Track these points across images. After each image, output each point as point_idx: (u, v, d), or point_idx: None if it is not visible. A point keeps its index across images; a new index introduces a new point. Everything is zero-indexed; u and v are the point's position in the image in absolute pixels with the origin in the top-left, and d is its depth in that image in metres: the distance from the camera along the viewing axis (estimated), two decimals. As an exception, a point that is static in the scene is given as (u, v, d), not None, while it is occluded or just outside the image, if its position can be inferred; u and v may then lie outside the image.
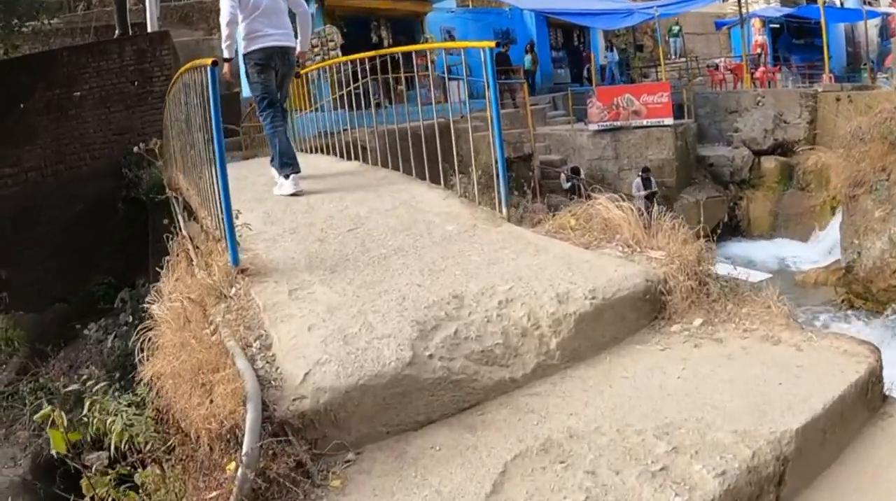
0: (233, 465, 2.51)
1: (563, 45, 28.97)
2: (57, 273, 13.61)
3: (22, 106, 13.77)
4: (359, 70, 7.75)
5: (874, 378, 3.14)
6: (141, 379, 3.57)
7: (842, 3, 28.35)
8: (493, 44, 5.18)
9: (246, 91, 12.66)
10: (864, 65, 25.53)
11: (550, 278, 3.77)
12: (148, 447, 3.13)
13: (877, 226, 13.83)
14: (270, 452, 2.54)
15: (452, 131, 5.80)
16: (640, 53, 30.75)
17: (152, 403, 3.40)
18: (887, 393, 3.24)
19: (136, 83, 14.75)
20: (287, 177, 6.29)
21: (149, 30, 16.87)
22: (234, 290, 3.91)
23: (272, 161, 6.57)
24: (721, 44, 32.76)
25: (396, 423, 2.96)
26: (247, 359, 2.99)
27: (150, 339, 3.68)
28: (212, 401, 2.76)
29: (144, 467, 3.54)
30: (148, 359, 3.56)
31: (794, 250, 18.54)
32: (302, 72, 7.69)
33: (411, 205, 5.56)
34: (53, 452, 3.87)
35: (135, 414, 3.69)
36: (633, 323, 3.69)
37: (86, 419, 3.79)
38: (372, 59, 7.27)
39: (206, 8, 21.64)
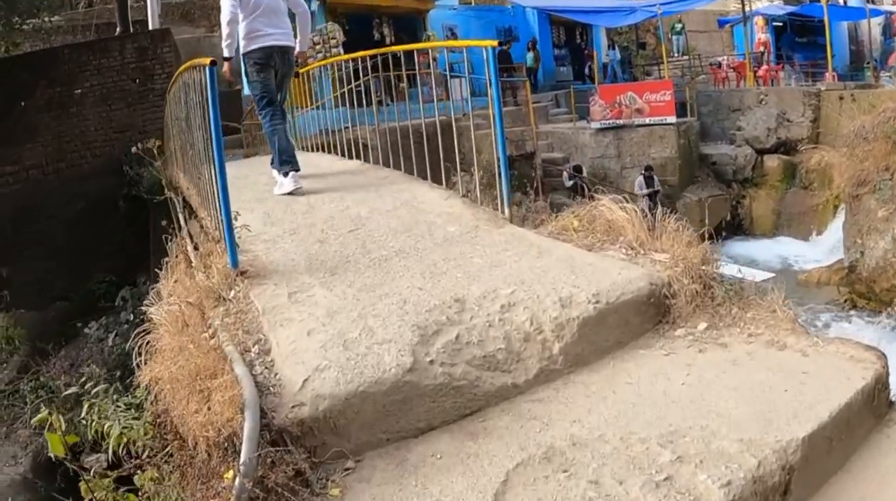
0: (231, 474, 2.47)
1: (566, 43, 28.91)
2: (58, 271, 13.56)
3: (23, 104, 13.72)
4: (360, 68, 7.72)
5: (881, 384, 3.10)
6: (139, 384, 3.53)
7: (845, 2, 28.25)
8: (495, 43, 5.14)
9: (247, 89, 12.61)
10: (868, 63, 25.44)
11: (553, 281, 3.72)
12: (145, 454, 3.08)
13: (880, 226, 13.77)
14: (269, 460, 2.50)
15: (454, 129, 5.76)
16: (642, 51, 30.69)
17: (150, 407, 3.36)
18: (894, 399, 3.20)
19: (137, 81, 14.70)
20: (286, 174, 6.28)
21: (150, 27, 16.85)
22: (233, 293, 3.87)
23: (272, 162, 6.54)
24: (724, 42, 32.71)
25: (397, 430, 2.92)
26: (245, 365, 2.95)
27: (148, 343, 3.63)
28: (209, 408, 2.72)
29: (143, 470, 3.51)
30: (146, 363, 3.52)
31: (797, 249, 18.49)
32: (301, 71, 7.65)
33: (413, 205, 5.52)
34: (52, 455, 3.85)
35: (133, 418, 3.66)
36: (636, 327, 3.64)
37: (84, 421, 3.75)
38: (373, 56, 7.24)
39: (208, 5, 21.58)
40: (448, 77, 11.09)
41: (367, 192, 5.98)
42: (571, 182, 17.96)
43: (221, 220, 4.19)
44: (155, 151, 5.23)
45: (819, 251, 17.63)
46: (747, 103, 20.95)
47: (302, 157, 7.95)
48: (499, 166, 5.07)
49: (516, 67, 22.82)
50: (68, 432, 4.03)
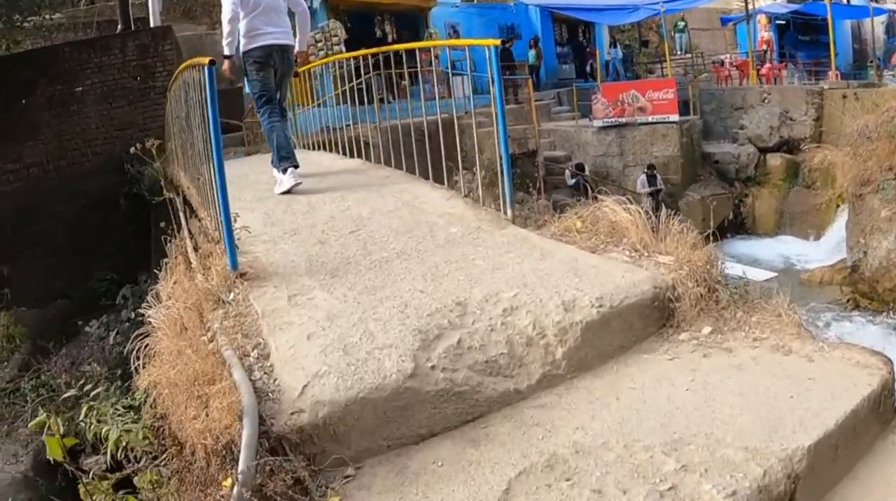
0: (229, 482, 2.44)
1: (569, 41, 28.83)
2: (59, 269, 13.52)
3: (24, 102, 13.67)
4: (362, 65, 7.69)
5: (887, 390, 3.05)
6: (138, 387, 3.49)
7: (848, 0, 28.14)
8: (497, 41, 5.10)
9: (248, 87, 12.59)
10: (871, 62, 25.37)
11: (556, 284, 3.68)
12: (142, 462, 3.05)
13: (883, 226, 13.72)
14: (267, 468, 2.47)
15: (456, 127, 5.72)
16: (645, 49, 30.64)
17: (149, 411, 3.33)
18: (900, 405, 3.16)
19: (138, 78, 14.64)
20: (284, 171, 6.27)
21: (151, 25, 16.79)
22: (232, 295, 3.83)
23: (272, 161, 6.52)
24: (727, 40, 32.60)
25: (397, 437, 2.88)
26: (244, 370, 2.91)
27: (146, 346, 3.60)
28: (207, 415, 2.68)
29: (143, 473, 3.48)
30: (145, 366, 3.48)
31: (800, 248, 18.44)
32: (301, 69, 7.64)
33: (414, 205, 5.48)
34: (50, 459, 3.82)
35: (133, 421, 3.63)
36: (640, 331, 3.60)
37: (83, 424, 3.73)
38: (375, 54, 7.21)
39: (210, 2, 21.51)
40: (450, 75, 11.07)
41: (368, 192, 5.94)
42: (574, 180, 17.92)
43: (221, 222, 4.15)
44: (154, 151, 5.18)
45: (822, 250, 17.58)
46: (750, 102, 20.90)
47: (303, 156, 7.93)
48: (501, 166, 5.03)
49: (518, 65, 22.74)
50: (69, 432, 4.02)
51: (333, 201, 5.72)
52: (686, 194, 19.07)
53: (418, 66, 7.21)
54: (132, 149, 5.48)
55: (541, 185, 15.68)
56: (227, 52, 6.38)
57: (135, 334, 3.88)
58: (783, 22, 28.76)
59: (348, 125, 8.15)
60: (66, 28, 19.24)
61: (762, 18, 27.39)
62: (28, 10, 15.87)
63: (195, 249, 5.12)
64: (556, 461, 2.67)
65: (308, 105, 9.87)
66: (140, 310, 4.23)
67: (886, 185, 13.84)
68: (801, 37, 28.43)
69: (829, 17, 22.92)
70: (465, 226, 4.85)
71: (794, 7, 27.27)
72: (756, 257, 17.37)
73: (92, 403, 3.75)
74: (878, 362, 3.18)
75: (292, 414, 2.74)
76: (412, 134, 6.18)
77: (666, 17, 25.85)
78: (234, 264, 4.05)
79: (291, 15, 6.82)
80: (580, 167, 18.35)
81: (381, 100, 8.62)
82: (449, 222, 4.96)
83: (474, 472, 2.67)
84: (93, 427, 3.67)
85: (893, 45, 27.22)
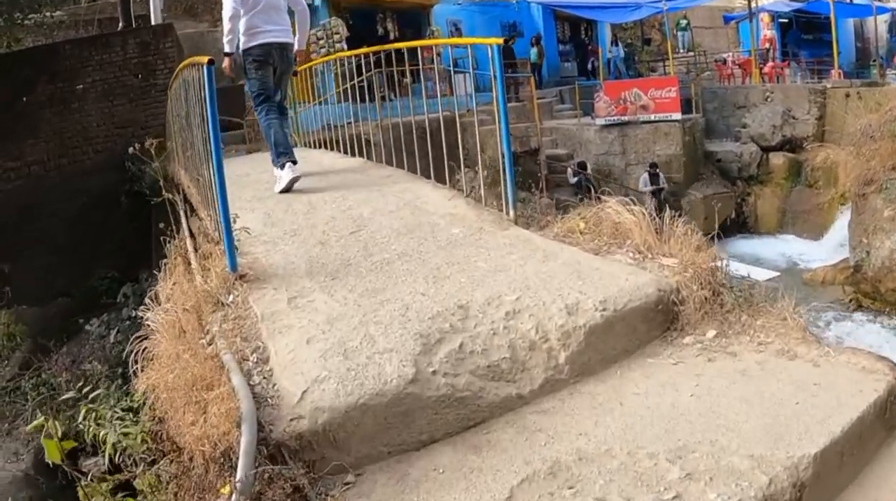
0: (227, 489, 2.40)
1: (571, 39, 28.78)
2: (59, 267, 13.49)
3: (24, 99, 13.62)
4: (363, 63, 7.66)
5: (893, 396, 3.01)
6: (136, 390, 3.46)
7: (851, -1, 28.12)
8: (500, 40, 5.06)
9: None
10: (874, 61, 25.32)
11: (559, 287, 3.64)
12: (140, 468, 3.01)
13: (886, 226, 13.66)
14: (266, 476, 2.43)
15: (458, 125, 5.67)
16: (647, 47, 30.56)
17: (147, 415, 3.29)
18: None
19: (139, 76, 14.58)
20: (282, 166, 6.26)
21: (152, 22, 16.72)
22: (231, 297, 3.79)
23: (272, 159, 6.50)
24: (729, 38, 32.54)
25: (398, 443, 2.84)
26: (242, 375, 2.87)
27: (145, 349, 3.56)
28: (206, 421, 2.64)
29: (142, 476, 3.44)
30: (143, 369, 3.44)
31: (802, 247, 18.38)
32: (301, 68, 7.63)
33: (416, 205, 5.43)
34: (49, 462, 3.79)
35: (132, 422, 3.59)
36: (644, 334, 3.56)
37: (82, 426, 3.70)
38: (377, 52, 7.20)
39: (211, 0, 21.48)
40: (452, 72, 11.04)
41: (369, 192, 5.90)
42: (576, 179, 17.90)
43: (220, 223, 4.11)
44: (153, 151, 5.14)
45: (824, 250, 17.53)
46: (753, 100, 20.84)
47: (304, 154, 7.91)
48: (503, 166, 4.98)
49: (519, 63, 22.69)
50: (69, 432, 3.99)
51: (334, 201, 5.68)
52: (688, 193, 19.04)
53: (420, 63, 7.19)
54: (130, 150, 5.44)
55: (543, 184, 15.69)
56: (227, 49, 6.40)
57: (134, 336, 3.85)
58: (786, 20, 28.72)
59: (349, 123, 8.12)
60: (67, 25, 19.17)
61: (765, 17, 27.34)
62: (29, 7, 15.83)
63: (195, 249, 5.08)
64: (559, 468, 2.63)
65: (309, 103, 9.83)
66: (141, 309, 4.19)
67: (890, 185, 13.79)
68: (803, 35, 28.40)
69: (832, 15, 22.90)
70: (467, 226, 4.81)
71: (796, 5, 27.20)
72: (758, 256, 17.32)
73: (91, 405, 3.71)
74: (884, 367, 3.15)
75: (291, 420, 2.70)
76: (414, 132, 6.15)
77: (668, 15, 25.85)
78: (234, 266, 4.01)
79: (291, 13, 6.81)
80: (582, 165, 18.32)
81: (383, 98, 8.59)
82: (451, 223, 4.92)
83: (476, 479, 2.63)
84: (91, 429, 3.63)
85: (896, 43, 27.19)
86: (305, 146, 9.30)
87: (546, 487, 2.54)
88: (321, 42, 17.38)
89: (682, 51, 29.22)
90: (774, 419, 2.81)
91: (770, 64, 24.41)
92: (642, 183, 17.75)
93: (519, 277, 3.81)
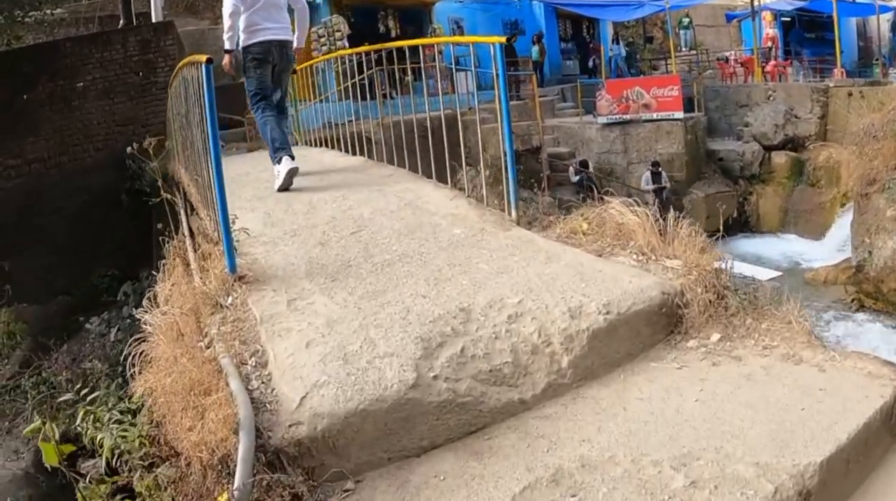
0: (224, 497, 2.36)
1: (573, 37, 28.74)
2: (60, 265, 13.46)
3: (25, 97, 13.60)
4: (365, 61, 7.63)
5: (899, 402, 2.98)
6: (134, 393, 3.42)
7: (853, -2, 28.05)
8: (503, 39, 5.01)
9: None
10: (876, 60, 25.26)
11: (562, 290, 3.60)
12: (137, 475, 2.97)
13: (889, 226, 13.61)
14: (264, 484, 2.39)
15: (460, 123, 5.63)
16: (649, 45, 30.50)
17: (144, 419, 3.24)
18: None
19: (140, 74, 14.57)
20: (280, 161, 6.25)
21: (153, 20, 16.70)
22: (230, 299, 3.74)
23: (270, 156, 6.49)
24: (731, 36, 32.49)
25: (398, 449, 2.80)
26: (241, 380, 2.82)
27: (142, 352, 3.52)
28: (203, 427, 2.60)
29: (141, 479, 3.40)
30: (141, 372, 3.40)
31: (804, 247, 18.34)
32: (298, 67, 7.62)
33: (417, 205, 5.38)
34: (47, 466, 3.76)
35: (130, 424, 3.55)
36: (647, 338, 3.52)
37: (79, 428, 3.66)
38: (378, 50, 7.17)
39: (213, -3, 21.45)
40: (453, 70, 11.00)
41: (370, 192, 5.85)
42: (577, 177, 17.86)
43: (219, 223, 4.06)
44: (151, 151, 5.09)
45: (826, 249, 17.49)
46: (755, 99, 20.80)
47: (304, 153, 7.88)
48: (506, 166, 4.93)
49: (521, 61, 22.63)
50: (69, 431, 3.95)
51: (335, 201, 5.63)
52: (690, 192, 19.00)
53: (422, 61, 7.17)
54: (129, 149, 5.40)
55: (545, 183, 15.64)
56: (227, 46, 6.41)
57: (133, 338, 3.81)
58: (788, 19, 28.63)
59: (350, 121, 8.09)
60: (67, 23, 19.14)
61: (767, 15, 27.23)
62: (29, 5, 15.81)
63: (195, 249, 5.03)
64: (562, 475, 2.59)
65: (310, 101, 9.80)
66: (139, 311, 4.15)
67: (892, 185, 13.74)
68: (806, 34, 28.31)
69: (834, 14, 22.83)
70: (469, 227, 4.76)
71: (799, 4, 27.09)
72: (760, 255, 17.27)
73: (88, 407, 3.67)
74: (890, 372, 3.11)
75: (290, 426, 2.66)
76: (415, 130, 6.11)
77: (671, 13, 25.77)
78: (233, 267, 3.97)
79: (291, 11, 6.81)
80: (584, 164, 18.29)
81: (384, 96, 8.57)
82: (452, 223, 4.87)
83: (477, 487, 2.59)
84: (89, 432, 3.59)
85: (899, 42, 27.13)
86: (306, 144, 9.27)
87: (548, 495, 2.50)
88: (322, 40, 17.34)
89: (684, 49, 29.17)
90: (780, 425, 2.77)
91: (772, 62, 24.36)
92: (644, 181, 17.70)
93: (521, 279, 3.77)
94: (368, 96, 8.19)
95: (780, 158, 19.90)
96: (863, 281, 14.34)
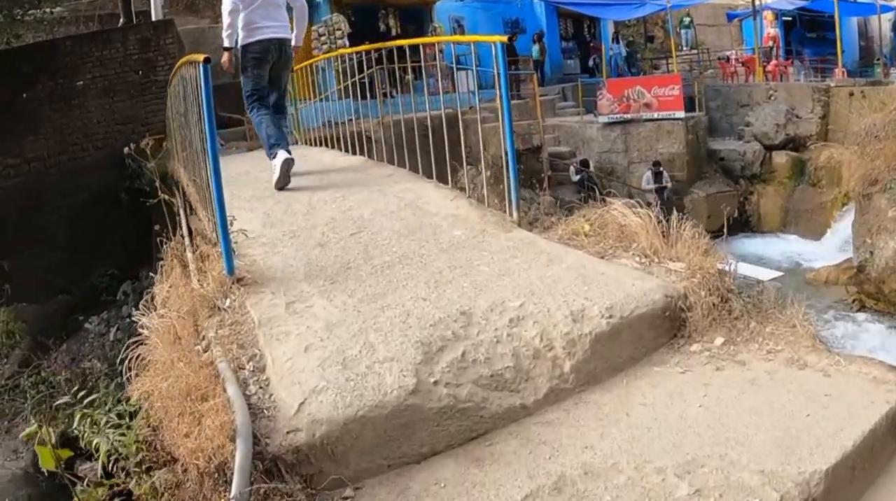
0: (221, 505, 2.32)
1: (574, 36, 28.69)
2: (60, 264, 13.43)
3: (24, 96, 13.56)
4: (365, 59, 7.60)
5: (905, 408, 2.94)
6: (130, 396, 3.37)
7: (855, -3, 27.99)
8: (504, 38, 4.96)
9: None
10: (878, 59, 25.20)
11: (564, 293, 3.56)
12: (134, 480, 2.93)
13: (890, 226, 13.57)
14: (262, 492, 2.35)
15: (461, 122, 5.59)
16: (650, 44, 30.47)
17: (141, 423, 3.20)
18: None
19: (139, 72, 14.52)
20: (275, 156, 6.24)
21: (153, 18, 16.65)
22: (228, 302, 3.70)
23: (267, 153, 6.48)
24: (732, 36, 32.45)
25: (398, 456, 2.76)
26: (238, 386, 2.78)
27: (138, 356, 3.47)
28: (200, 433, 2.56)
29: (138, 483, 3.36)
30: (137, 376, 3.36)
31: (805, 247, 18.28)
32: (296, 67, 7.60)
33: (417, 206, 5.34)
34: (43, 470, 3.72)
35: (127, 427, 3.52)
36: (650, 341, 3.48)
37: (76, 432, 3.62)
38: (378, 49, 7.14)
39: (212, -5, 21.40)
40: (454, 69, 10.96)
41: (370, 192, 5.81)
42: (578, 177, 17.83)
43: (217, 224, 4.02)
44: (148, 151, 5.05)
45: (827, 249, 17.44)
46: (756, 98, 20.75)
47: (304, 152, 7.85)
48: (507, 166, 4.89)
49: (521, 60, 22.58)
50: (67, 431, 3.91)
51: (334, 201, 5.59)
52: (691, 191, 18.95)
53: (422, 60, 7.13)
54: (126, 150, 5.36)
55: (546, 184, 15.60)
56: (226, 43, 6.42)
57: (130, 340, 3.76)
58: (789, 18, 28.57)
59: (351, 120, 8.05)
60: (67, 22, 19.10)
61: (768, 15, 27.17)
62: (29, 3, 15.78)
63: (194, 250, 4.99)
64: (564, 483, 2.55)
65: (310, 100, 9.77)
66: (137, 313, 4.11)
67: (894, 185, 13.70)
68: (807, 33, 28.25)
69: (835, 13, 22.78)
70: (470, 228, 4.71)
71: (800, 3, 27.04)
72: (761, 255, 17.21)
73: (85, 410, 3.63)
74: (895, 378, 3.07)
75: (288, 432, 2.62)
76: (416, 129, 6.07)
77: (672, 12, 25.73)
78: (231, 269, 3.92)
79: (290, 9, 6.81)
80: (585, 163, 18.25)
81: (385, 95, 8.54)
82: (453, 224, 4.82)
83: (478, 494, 2.55)
84: (86, 435, 3.55)
85: (901, 42, 27.07)
86: (305, 144, 9.23)
87: (551, 503, 2.47)
88: (323, 38, 17.31)
89: (685, 48, 29.14)
90: (785, 432, 2.73)
91: (773, 62, 24.29)
92: (645, 181, 17.66)
93: (523, 282, 3.73)
94: (369, 95, 8.16)
95: (781, 158, 19.84)
96: (864, 281, 14.31)
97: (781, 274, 14.52)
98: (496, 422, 2.95)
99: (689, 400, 3.02)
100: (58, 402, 4.26)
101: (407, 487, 2.64)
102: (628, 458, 2.65)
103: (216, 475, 2.47)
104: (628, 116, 19.10)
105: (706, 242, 4.06)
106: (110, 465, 3.29)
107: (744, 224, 19.59)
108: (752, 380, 3.13)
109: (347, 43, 16.23)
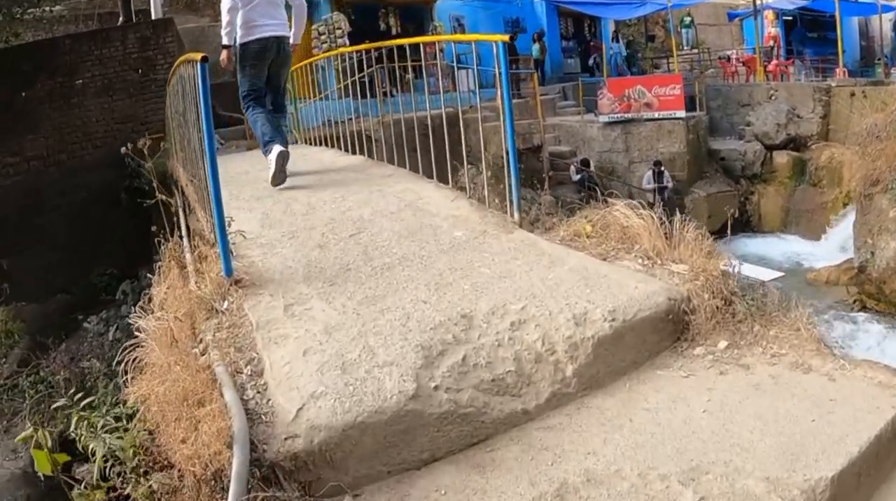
0: (218, 513, 2.28)
1: (574, 35, 28.66)
2: (59, 263, 13.38)
3: (24, 94, 13.52)
4: (365, 58, 7.57)
5: (911, 413, 2.90)
6: (126, 400, 3.33)
7: (856, -3, 27.94)
8: (506, 37, 4.92)
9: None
10: (878, 59, 25.18)
11: (566, 295, 3.51)
12: (130, 486, 2.89)
13: (891, 226, 13.55)
14: (259, 499, 2.30)
15: (461, 122, 5.55)
16: (651, 44, 30.44)
17: (137, 427, 3.16)
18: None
19: (139, 71, 14.47)
20: (270, 150, 6.21)
21: (153, 17, 16.60)
22: (226, 304, 3.65)
23: (262, 149, 6.49)
24: (733, 35, 32.43)
25: (398, 462, 2.72)
26: (236, 391, 2.74)
27: (135, 359, 3.43)
28: (196, 439, 2.52)
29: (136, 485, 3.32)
30: (134, 379, 3.31)
31: (806, 247, 18.26)
32: (299, 65, 7.58)
33: (418, 206, 5.29)
34: (40, 474, 3.68)
35: (124, 430, 3.48)
36: (653, 345, 3.44)
37: (73, 435, 3.58)
38: (379, 48, 7.11)
39: (212, -7, 21.34)
40: (455, 68, 10.92)
41: (370, 192, 5.75)
42: (579, 176, 17.80)
43: (215, 226, 3.97)
44: (146, 151, 5.00)
45: (828, 249, 17.41)
46: (757, 98, 20.72)
47: (303, 152, 7.81)
48: (508, 166, 4.84)
49: (522, 59, 22.53)
50: (66, 431, 3.87)
51: (334, 201, 5.54)
52: (692, 191, 18.93)
53: (423, 59, 7.10)
54: (123, 150, 5.31)
55: (547, 183, 15.58)
56: (225, 41, 6.41)
57: (129, 340, 3.72)
58: (790, 18, 28.53)
59: (351, 119, 8.02)
60: (66, 20, 19.04)
61: (769, 14, 27.13)
62: (28, 2, 15.74)
63: (192, 250, 4.94)
64: (567, 490, 2.51)
65: (310, 99, 9.73)
66: (133, 315, 4.06)
67: (895, 185, 13.67)
68: (808, 33, 28.21)
69: (836, 13, 22.74)
70: (471, 229, 4.67)
71: (801, 3, 27.00)
72: (761, 255, 17.18)
73: (82, 413, 3.59)
74: (901, 383, 3.03)
75: (286, 439, 2.57)
76: (416, 128, 6.03)
77: (672, 11, 25.69)
78: (229, 271, 3.87)
79: (288, 8, 6.80)
80: (585, 163, 18.21)
81: (385, 94, 8.50)
82: (453, 225, 4.78)
83: (479, 501, 2.52)
84: (83, 438, 3.51)
85: (902, 42, 27.03)
86: (305, 143, 9.19)
87: (553, 511, 2.43)
88: (323, 37, 17.26)
89: (685, 48, 29.12)
90: (790, 438, 2.70)
91: (774, 62, 24.27)
92: (646, 181, 17.64)
93: (524, 284, 3.68)
94: (369, 94, 8.11)
95: (781, 158, 19.81)
96: (865, 281, 14.28)
97: (782, 274, 14.52)
98: (497, 428, 2.91)
99: (692, 404, 2.98)
100: (55, 405, 4.23)
101: (407, 494, 2.60)
102: (632, 465, 2.61)
103: (213, 482, 2.43)
104: (629, 116, 19.07)
105: (709, 244, 4.02)
106: (107, 470, 3.26)
107: (744, 224, 19.57)
108: (757, 385, 3.09)
109: (347, 42, 16.19)
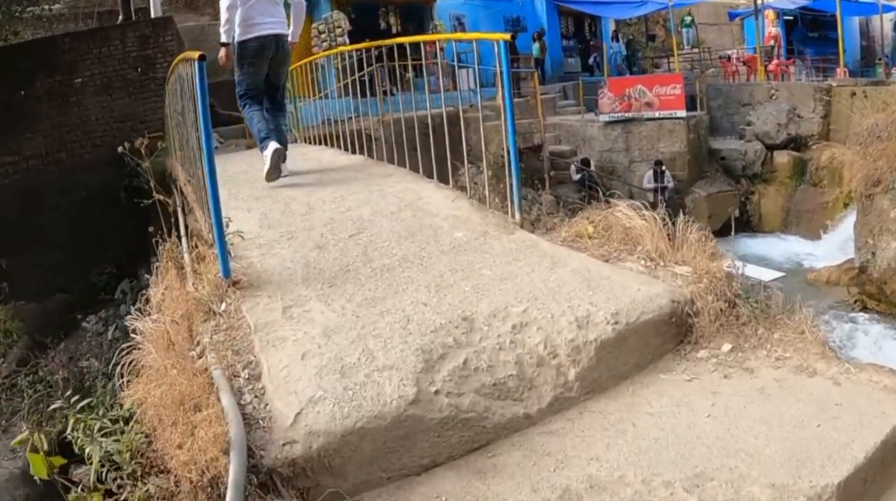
0: (214, 521, 2.24)
1: (574, 34, 28.62)
2: (58, 263, 13.34)
3: (23, 93, 13.47)
4: (365, 57, 7.54)
5: (917, 418, 2.85)
6: (123, 403, 3.29)
7: (856, -3, 27.89)
8: (507, 36, 4.87)
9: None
10: (879, 59, 25.14)
11: (569, 297, 3.47)
12: (127, 491, 2.85)
13: (892, 227, 13.51)
14: (257, 507, 2.27)
15: (462, 121, 5.51)
16: (651, 43, 30.40)
17: (134, 430, 3.12)
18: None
19: (138, 70, 14.42)
20: (266, 146, 6.21)
21: (152, 15, 16.56)
22: (223, 306, 3.60)
23: (259, 147, 6.48)
24: (734, 35, 32.39)
25: (398, 468, 2.67)
26: (233, 395, 2.69)
27: (132, 361, 3.39)
28: (193, 444, 2.48)
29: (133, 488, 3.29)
30: (130, 382, 3.27)
31: (806, 247, 18.22)
32: (298, 64, 7.56)
33: (418, 206, 5.24)
34: (36, 478, 3.65)
35: (121, 432, 3.44)
36: (657, 348, 3.40)
37: (69, 437, 3.55)
38: (379, 47, 7.08)
39: (212, -8, 21.28)
40: (456, 67, 10.89)
41: (370, 192, 5.71)
42: (579, 175, 17.75)
43: (213, 227, 3.93)
44: (143, 151, 4.96)
45: (828, 249, 17.36)
46: (757, 98, 20.68)
47: (303, 151, 7.78)
48: (509, 166, 4.79)
49: (522, 58, 22.48)
50: (64, 431, 3.84)
51: (333, 201, 5.49)
52: (692, 191, 18.90)
53: (423, 58, 7.06)
54: (120, 149, 5.27)
55: (547, 183, 15.55)
56: (224, 39, 6.41)
57: (127, 341, 3.68)
58: (791, 17, 28.50)
59: (350, 118, 7.98)
60: (66, 18, 18.99)
61: (770, 14, 27.10)
62: (28, 0, 15.68)
63: (191, 250, 4.90)
64: (570, 497, 2.47)
65: (310, 97, 9.70)
66: (130, 317, 4.02)
67: (896, 186, 13.65)
68: (809, 33, 28.20)
69: (837, 13, 22.71)
70: (471, 230, 4.62)
71: (802, 3, 26.97)
72: (762, 255, 17.16)
73: (79, 416, 3.55)
74: (907, 386, 2.99)
75: (284, 444, 2.53)
76: (416, 127, 5.99)
77: (673, 11, 25.65)
78: (227, 272, 3.82)
79: (287, 6, 6.78)
80: (586, 162, 18.18)
81: (385, 93, 8.47)
82: (454, 226, 4.73)
83: (480, 509, 2.47)
84: (80, 441, 3.47)
85: (902, 41, 26.98)
86: (305, 142, 9.15)
87: (555, 518, 2.39)
88: (323, 36, 17.21)
89: (686, 47, 29.07)
90: (795, 443, 2.66)
91: (775, 61, 24.25)
92: (646, 180, 17.61)
93: (526, 286, 3.64)
94: (369, 93, 8.08)
95: (782, 158, 19.78)
96: (866, 282, 14.25)
97: (783, 274, 14.50)
98: (499, 433, 2.87)
99: (696, 409, 2.94)
100: (52, 407, 4.19)
101: (407, 500, 2.56)
102: (635, 471, 2.57)
103: (209, 489, 2.39)
104: (629, 115, 19.03)
105: (713, 245, 3.98)
106: (104, 473, 3.22)
107: (745, 224, 19.55)
108: (761, 389, 3.05)
109: (348, 40, 16.13)
